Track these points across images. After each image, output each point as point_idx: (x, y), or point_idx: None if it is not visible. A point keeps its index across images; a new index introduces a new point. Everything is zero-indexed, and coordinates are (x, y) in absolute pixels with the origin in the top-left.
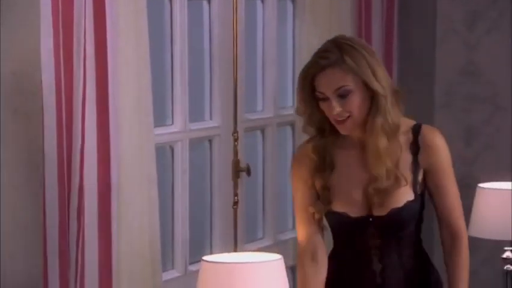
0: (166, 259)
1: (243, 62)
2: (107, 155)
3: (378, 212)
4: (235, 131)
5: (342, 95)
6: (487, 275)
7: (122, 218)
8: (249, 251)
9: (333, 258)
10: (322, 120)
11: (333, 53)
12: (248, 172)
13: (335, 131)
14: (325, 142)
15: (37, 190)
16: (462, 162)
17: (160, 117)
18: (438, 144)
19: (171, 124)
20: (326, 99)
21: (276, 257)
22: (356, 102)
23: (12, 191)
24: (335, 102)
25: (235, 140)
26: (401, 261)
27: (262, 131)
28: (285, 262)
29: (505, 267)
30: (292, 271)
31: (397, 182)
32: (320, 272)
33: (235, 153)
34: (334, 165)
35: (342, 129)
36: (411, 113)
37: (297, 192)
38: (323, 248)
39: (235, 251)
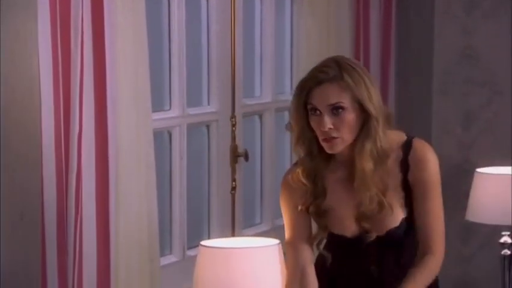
0: (164, 244)
1: (241, 47)
2: (105, 140)
3: (374, 232)
4: (233, 116)
5: (336, 112)
6: (484, 260)
7: (120, 203)
8: (246, 236)
9: (330, 268)
10: (311, 140)
11: (332, 69)
12: (246, 157)
13: (323, 153)
14: (315, 165)
15: (35, 175)
16: (460, 147)
17: (158, 102)
18: (429, 159)
19: (169, 109)
20: (317, 114)
21: (274, 242)
22: (348, 121)
23: (10, 174)
24: (327, 118)
25: (233, 125)
26: (399, 264)
27: (260, 116)
28: (283, 247)
29: (503, 252)
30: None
31: (381, 209)
32: None
33: (233, 138)
34: (326, 190)
35: (329, 148)
36: (410, 99)
37: (288, 217)
38: (313, 276)
39: (233, 236)
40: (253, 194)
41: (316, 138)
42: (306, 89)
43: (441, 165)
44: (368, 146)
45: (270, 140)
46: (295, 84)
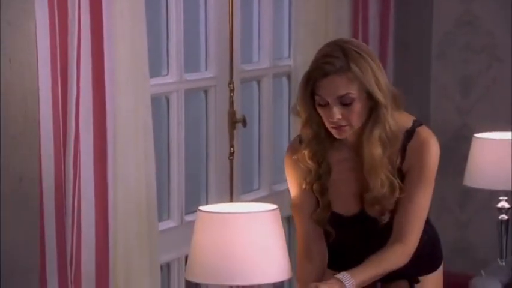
0: (162, 209)
1: (238, 12)
2: (103, 105)
3: (372, 214)
4: (230, 82)
5: (344, 103)
6: (482, 225)
7: (118, 169)
8: (245, 201)
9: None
10: (319, 124)
11: (339, 59)
12: (244, 123)
13: (330, 136)
14: (322, 148)
15: (33, 143)
16: (458, 112)
17: (156, 67)
18: (429, 148)
19: (166, 74)
20: (325, 105)
21: (272, 207)
22: (357, 110)
23: (6, 141)
24: (335, 109)
25: (231, 90)
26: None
27: (258, 82)
28: (281, 212)
29: (500, 217)
30: (288, 221)
31: (393, 191)
32: (316, 271)
33: (231, 104)
34: (330, 170)
35: (338, 135)
36: (409, 65)
37: (293, 190)
38: (321, 244)
39: (231, 201)
40: (251, 160)
41: (323, 122)
42: (312, 80)
43: (440, 131)
44: (377, 132)
45: (268, 105)
46: (293, 49)
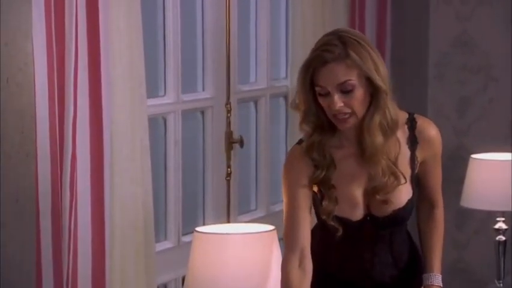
0: (159, 230)
1: (236, 33)
2: (100, 126)
3: (379, 213)
4: (228, 102)
5: (345, 90)
6: (479, 246)
7: (115, 190)
8: (242, 222)
9: (321, 242)
10: (318, 116)
11: (337, 47)
12: (241, 143)
13: (331, 128)
14: (324, 140)
15: (30, 163)
16: (455, 133)
17: (153, 88)
18: (436, 137)
19: (164, 95)
20: (326, 94)
21: (269, 228)
22: (359, 97)
23: (3, 160)
24: (336, 97)
25: (228, 111)
26: (391, 248)
27: (255, 103)
28: (278, 233)
29: (497, 238)
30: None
31: (396, 179)
32: (306, 278)
33: (228, 124)
34: (335, 164)
35: (342, 125)
36: (406, 85)
37: (290, 196)
38: (309, 256)
39: (228, 222)
40: (248, 181)
41: (324, 112)
42: (311, 69)
43: None
44: (377, 118)
45: (265, 126)
46: (290, 70)
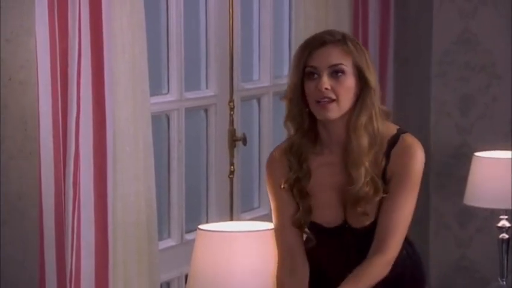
0: (162, 228)
1: (239, 31)
2: (103, 124)
3: (354, 223)
4: (231, 100)
5: (335, 74)
6: (482, 243)
7: (119, 187)
8: (245, 220)
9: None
10: (303, 114)
11: (338, 34)
12: (244, 141)
13: (313, 133)
14: (303, 143)
15: (33, 161)
16: (458, 131)
17: (156, 86)
18: (414, 154)
19: (167, 93)
20: (315, 77)
21: (272, 226)
22: (347, 85)
23: (6, 158)
24: (325, 78)
25: (231, 109)
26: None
27: (259, 100)
28: None
29: (500, 236)
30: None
31: (376, 191)
32: (298, 281)
33: (231, 122)
34: (311, 172)
35: (323, 112)
36: (409, 83)
37: (274, 198)
38: (303, 257)
39: (231, 220)
40: (251, 178)
41: (308, 113)
42: (308, 49)
43: (439, 150)
44: (364, 118)
45: (268, 124)
46: None
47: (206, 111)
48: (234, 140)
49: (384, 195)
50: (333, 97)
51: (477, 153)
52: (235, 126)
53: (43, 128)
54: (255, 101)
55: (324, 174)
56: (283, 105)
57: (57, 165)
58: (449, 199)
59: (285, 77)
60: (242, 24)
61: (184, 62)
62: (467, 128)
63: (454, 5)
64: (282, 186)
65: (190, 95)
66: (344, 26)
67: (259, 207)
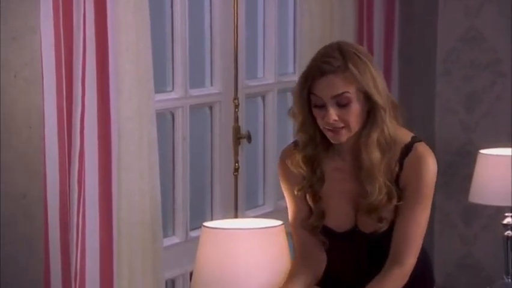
0: (167, 225)
1: (243, 28)
2: (108, 121)
3: (365, 228)
4: (235, 98)
5: (341, 103)
6: (487, 241)
7: (123, 185)
8: (249, 217)
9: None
10: (314, 128)
11: (337, 59)
12: (249, 139)
13: (325, 141)
14: (317, 153)
15: (37, 159)
16: (463, 128)
17: (161, 83)
18: (427, 164)
19: (171, 90)
20: (321, 106)
21: (277, 223)
22: (354, 111)
23: (11, 156)
24: (332, 110)
25: (236, 106)
26: (374, 260)
27: (263, 98)
28: (286, 228)
29: (506, 233)
30: (292, 237)
31: (390, 198)
32: (306, 275)
33: (236, 119)
34: (324, 179)
35: (335, 139)
36: (413, 81)
37: (289, 198)
38: (320, 253)
39: (235, 217)
40: (256, 176)
41: (319, 126)
42: (309, 79)
43: (444, 147)
44: (375, 135)
45: (272, 121)
46: (298, 65)
47: (211, 108)
48: (239, 137)
49: (399, 203)
50: (342, 125)
51: (482, 151)
52: (239, 124)
53: (48, 126)
54: (259, 98)
55: (335, 179)
56: (287, 103)
57: (62, 163)
58: (453, 197)
59: (289, 74)
60: (247, 21)
61: (189, 59)
62: (472, 126)
63: (459, 2)
64: (295, 193)
65: (194, 92)
66: (348, 24)
67: (263, 204)
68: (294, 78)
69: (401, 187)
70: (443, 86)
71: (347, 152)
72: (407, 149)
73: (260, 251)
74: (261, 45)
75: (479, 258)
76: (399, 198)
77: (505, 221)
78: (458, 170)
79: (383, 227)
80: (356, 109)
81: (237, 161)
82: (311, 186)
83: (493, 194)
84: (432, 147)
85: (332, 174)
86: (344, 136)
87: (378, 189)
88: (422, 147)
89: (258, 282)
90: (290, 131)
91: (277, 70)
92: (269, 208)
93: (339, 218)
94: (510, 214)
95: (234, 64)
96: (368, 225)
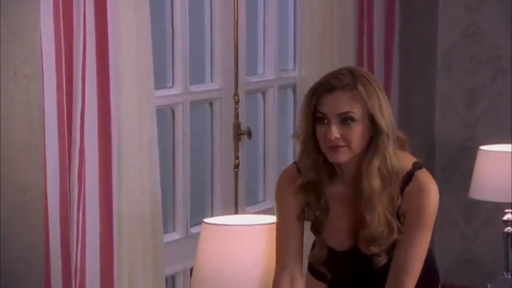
0: (167, 221)
1: (243, 24)
2: (108, 117)
3: (364, 249)
4: (236, 94)
5: (345, 122)
6: (488, 237)
7: (123, 181)
8: (249, 213)
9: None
10: (316, 153)
11: (346, 77)
12: (249, 135)
13: (328, 167)
14: (320, 179)
15: (38, 155)
16: (463, 124)
17: (161, 79)
18: (429, 192)
19: (172, 86)
20: (325, 123)
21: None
22: (357, 132)
23: (11, 152)
24: (334, 127)
25: (236, 102)
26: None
27: (263, 94)
28: None
29: (506, 229)
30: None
31: (390, 232)
32: None
33: (236, 115)
34: (328, 209)
35: (334, 157)
36: (414, 77)
37: (281, 223)
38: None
39: (236, 213)
40: (256, 172)
41: (321, 150)
42: (316, 95)
43: (445, 143)
44: (376, 162)
45: (272, 117)
46: (298, 61)
47: (211, 104)
48: (239, 133)
49: (399, 236)
50: (343, 144)
51: (482, 147)
52: (240, 120)
53: (48, 122)
54: (259, 95)
55: (338, 202)
56: (288, 99)
57: (62, 159)
58: (454, 193)
59: (290, 70)
60: (247, 17)
61: (189, 55)
62: (472, 122)
63: None
64: (296, 218)
65: (195, 88)
66: (348, 20)
67: (264, 200)
68: (294, 74)
69: (400, 215)
70: (443, 82)
71: (349, 179)
72: (408, 178)
73: (260, 247)
74: (261, 42)
75: (480, 254)
76: (400, 231)
77: (505, 217)
78: (458, 166)
79: (382, 260)
80: (359, 129)
81: (237, 157)
82: (315, 216)
83: (493, 190)
84: (433, 143)
85: (334, 198)
86: (344, 155)
87: (378, 221)
88: (423, 176)
89: (258, 278)
90: (290, 127)
91: (277, 66)
92: (269, 204)
93: (340, 240)
94: (510, 210)
95: (234, 60)
96: (368, 247)
